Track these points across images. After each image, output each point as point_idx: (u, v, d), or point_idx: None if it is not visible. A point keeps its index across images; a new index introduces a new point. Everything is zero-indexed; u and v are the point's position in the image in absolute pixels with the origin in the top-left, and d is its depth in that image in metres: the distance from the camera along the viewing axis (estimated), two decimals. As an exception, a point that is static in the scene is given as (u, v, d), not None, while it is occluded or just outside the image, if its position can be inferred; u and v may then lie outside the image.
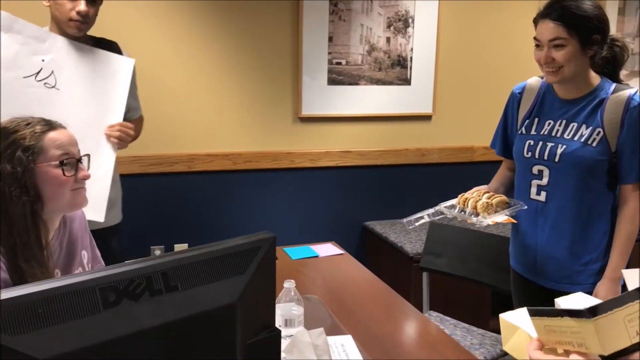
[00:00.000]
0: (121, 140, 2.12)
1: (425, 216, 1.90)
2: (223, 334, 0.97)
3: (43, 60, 2.02)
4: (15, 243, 1.35)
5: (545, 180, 1.88)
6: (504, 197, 1.88)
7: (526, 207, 1.87)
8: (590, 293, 1.84)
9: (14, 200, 1.35)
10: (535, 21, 1.82)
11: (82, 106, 2.07)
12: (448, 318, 2.54)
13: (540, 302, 1.99)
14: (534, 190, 1.92)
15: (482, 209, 1.81)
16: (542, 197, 1.90)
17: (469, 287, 2.91)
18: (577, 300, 1.17)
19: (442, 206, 1.93)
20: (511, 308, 2.21)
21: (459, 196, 1.93)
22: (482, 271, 2.49)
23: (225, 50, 3.16)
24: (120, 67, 2.14)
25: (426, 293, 2.62)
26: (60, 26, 2.08)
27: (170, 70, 3.06)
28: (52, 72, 2.03)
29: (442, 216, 1.91)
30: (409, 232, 3.34)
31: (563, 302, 1.16)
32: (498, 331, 2.47)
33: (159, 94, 3.04)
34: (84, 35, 2.13)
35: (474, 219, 1.81)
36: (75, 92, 2.07)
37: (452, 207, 1.92)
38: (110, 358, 0.83)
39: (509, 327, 1.10)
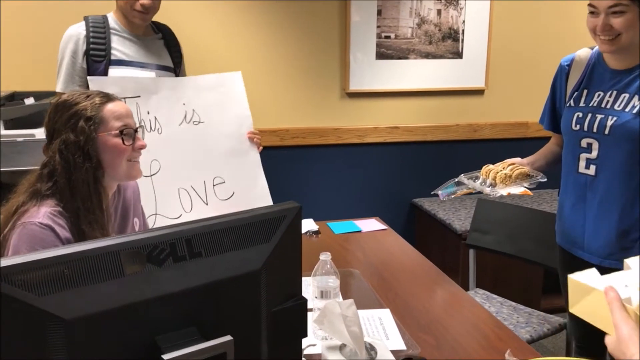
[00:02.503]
0: (259, 144, 2.39)
1: (464, 188, 1.87)
2: (247, 301, 0.98)
3: (184, 104, 2.23)
4: (79, 207, 1.44)
5: (594, 154, 1.81)
6: (525, 169, 1.85)
7: (545, 179, 1.83)
8: None
9: (78, 167, 1.44)
10: None
11: (226, 126, 2.32)
12: (494, 296, 2.50)
13: None
14: (582, 164, 1.85)
15: (500, 179, 1.77)
16: (592, 170, 1.83)
17: (519, 266, 2.84)
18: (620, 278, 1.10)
19: (464, 177, 1.91)
20: (560, 287, 2.15)
21: (484, 167, 1.92)
22: (531, 249, 2.43)
23: (273, 25, 3.16)
24: (234, 81, 2.36)
25: (473, 270, 2.58)
26: (125, 14, 2.19)
27: (219, 49, 3.10)
28: (193, 110, 2.25)
29: (465, 185, 1.90)
30: (458, 210, 3.28)
31: (631, 262, 1.09)
32: (548, 311, 2.42)
33: (208, 72, 3.08)
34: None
35: (487, 189, 1.78)
36: (216, 116, 2.30)
37: (476, 178, 1.89)
38: (133, 321, 0.85)
39: (581, 288, 1.00)
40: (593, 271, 1.01)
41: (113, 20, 2.22)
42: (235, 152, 2.32)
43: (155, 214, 2.12)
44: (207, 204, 2.25)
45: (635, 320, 0.87)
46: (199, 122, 2.25)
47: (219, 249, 0.94)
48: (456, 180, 1.94)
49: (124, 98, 2.07)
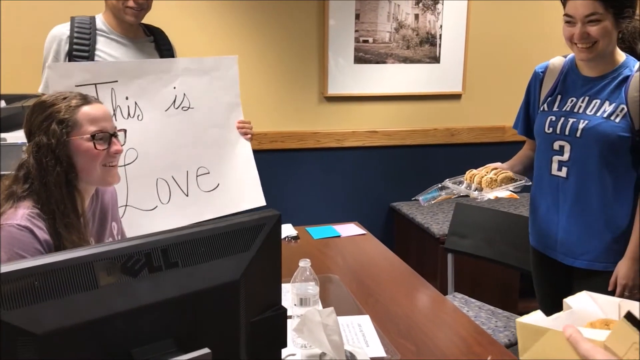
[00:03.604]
0: (249, 135, 2.32)
1: (443, 193, 1.87)
2: (225, 311, 0.96)
3: (175, 88, 2.15)
4: (54, 210, 1.41)
5: (566, 156, 1.86)
6: (509, 174, 1.88)
7: (530, 182, 1.86)
8: (610, 272, 1.82)
9: (49, 170, 1.41)
10: None
11: (215, 114, 2.23)
12: (473, 300, 2.50)
13: (560, 279, 1.98)
14: (555, 166, 1.89)
15: (486, 184, 1.78)
16: (563, 172, 1.87)
17: (496, 270, 2.86)
18: (586, 301, 1.09)
19: (448, 182, 1.91)
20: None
21: (467, 172, 1.93)
22: (508, 253, 2.44)
23: (250, 29, 3.14)
24: (230, 65, 2.27)
25: (451, 274, 2.59)
26: (116, 14, 2.12)
27: (196, 51, 3.06)
28: (184, 94, 2.17)
29: (450, 190, 1.90)
30: (436, 214, 3.29)
31: (571, 302, 1.08)
32: (525, 314, 2.43)
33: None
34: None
35: (475, 194, 1.79)
36: (206, 103, 2.21)
37: (460, 182, 1.90)
38: (108, 334, 0.83)
39: (534, 331, 0.94)
40: (539, 313, 0.99)
41: (101, 21, 2.15)
42: (223, 141, 2.25)
43: (126, 205, 2.03)
44: (187, 195, 2.17)
45: None
46: (189, 107, 2.17)
47: (196, 259, 0.92)
48: (440, 185, 1.94)
49: (97, 84, 1.98)
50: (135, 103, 2.07)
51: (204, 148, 2.22)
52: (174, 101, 2.14)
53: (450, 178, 1.96)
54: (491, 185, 1.80)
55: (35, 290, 0.77)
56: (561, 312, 1.02)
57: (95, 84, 1.98)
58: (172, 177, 2.15)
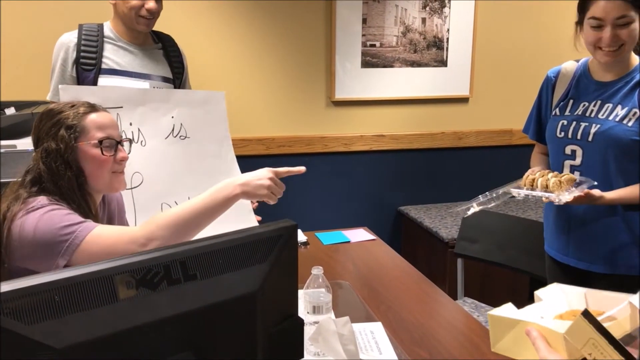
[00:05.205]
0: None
1: (482, 202, 1.83)
2: (243, 323, 0.95)
3: (173, 117, 2.16)
4: (74, 209, 1.43)
5: (578, 161, 1.84)
6: (572, 175, 1.81)
7: (596, 182, 1.78)
8: (625, 277, 1.80)
9: (61, 175, 1.44)
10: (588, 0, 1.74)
11: (209, 144, 2.24)
12: (483, 305, 2.50)
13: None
14: (566, 171, 1.88)
15: (555, 186, 1.74)
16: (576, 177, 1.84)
17: (505, 274, 2.84)
18: (556, 293, 1.10)
19: (511, 188, 1.83)
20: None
21: (524, 177, 1.86)
22: (518, 258, 2.43)
23: (258, 33, 3.14)
24: (218, 100, 2.28)
25: (461, 279, 2.58)
26: (127, 22, 2.13)
27: (203, 56, 3.06)
28: (181, 124, 2.18)
29: (494, 203, 1.84)
30: (444, 217, 3.28)
31: (542, 294, 1.10)
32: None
33: (192, 80, 3.04)
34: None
35: (553, 196, 1.73)
36: (200, 133, 2.22)
37: (518, 187, 1.84)
38: (128, 348, 0.83)
39: (505, 323, 0.99)
40: (510, 305, 1.02)
41: (109, 28, 2.17)
42: (216, 172, 2.23)
43: None
44: None
45: (563, 346, 0.90)
46: (185, 137, 2.19)
47: (214, 270, 0.91)
48: (500, 191, 1.86)
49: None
50: (139, 129, 2.09)
51: (201, 177, 2.20)
52: (172, 130, 2.17)
53: (508, 183, 1.88)
54: (561, 188, 1.75)
55: (55, 305, 0.77)
56: (532, 305, 1.04)
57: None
58: (175, 202, 2.16)
